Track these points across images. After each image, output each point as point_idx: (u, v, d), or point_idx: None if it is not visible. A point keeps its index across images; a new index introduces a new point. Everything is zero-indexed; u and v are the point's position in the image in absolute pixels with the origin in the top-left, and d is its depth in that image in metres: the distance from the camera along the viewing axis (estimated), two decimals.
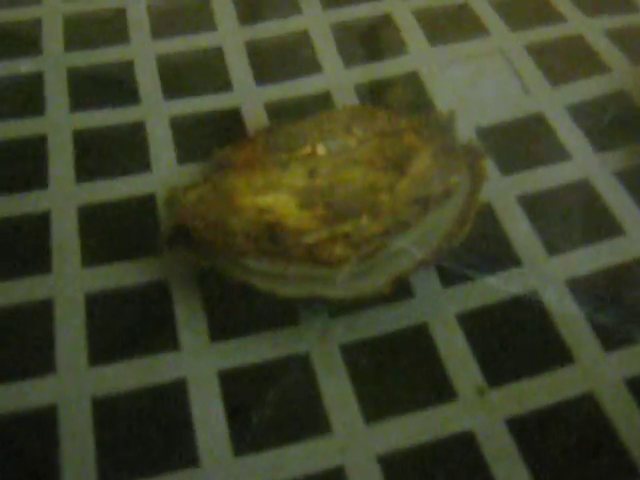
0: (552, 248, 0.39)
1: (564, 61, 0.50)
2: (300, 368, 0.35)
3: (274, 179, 0.39)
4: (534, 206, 0.41)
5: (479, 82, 0.48)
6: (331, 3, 0.52)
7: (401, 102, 0.43)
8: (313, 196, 0.38)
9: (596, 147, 0.44)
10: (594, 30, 0.51)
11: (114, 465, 0.32)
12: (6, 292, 0.37)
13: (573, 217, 0.43)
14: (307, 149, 0.40)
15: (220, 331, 0.36)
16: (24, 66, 0.49)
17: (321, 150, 0.40)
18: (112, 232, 0.41)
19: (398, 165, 0.38)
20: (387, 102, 0.43)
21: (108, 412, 0.34)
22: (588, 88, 0.47)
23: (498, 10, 0.52)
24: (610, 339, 0.36)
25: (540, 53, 0.49)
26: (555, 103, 0.46)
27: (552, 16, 0.52)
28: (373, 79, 0.48)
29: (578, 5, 0.53)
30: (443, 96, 0.47)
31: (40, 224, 0.40)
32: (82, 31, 0.51)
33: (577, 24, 0.51)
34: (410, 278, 0.37)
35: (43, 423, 0.33)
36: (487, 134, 0.45)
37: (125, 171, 0.43)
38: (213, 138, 0.45)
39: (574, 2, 0.53)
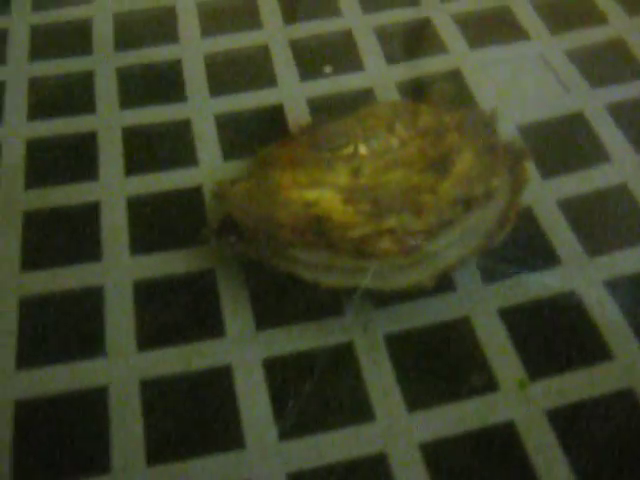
0: (592, 249, 0.40)
1: (604, 65, 0.50)
2: (344, 357, 0.36)
3: (318, 177, 0.39)
4: (574, 208, 0.42)
5: (520, 81, 0.49)
6: (371, 8, 0.53)
7: (443, 99, 0.43)
8: (357, 193, 0.38)
9: (635, 148, 0.44)
10: (635, 33, 0.51)
11: (161, 445, 0.33)
12: (59, 279, 0.39)
13: (612, 219, 0.43)
14: (350, 149, 0.41)
15: (265, 320, 0.37)
16: (76, 65, 0.50)
17: (363, 150, 0.41)
18: (160, 223, 0.42)
19: (440, 166, 0.39)
20: (429, 99, 0.43)
21: (156, 394, 0.35)
22: (628, 90, 0.48)
23: (539, 13, 0.53)
24: None
25: (580, 56, 0.50)
26: (595, 103, 0.47)
27: (593, 19, 0.52)
28: (415, 77, 0.49)
29: (619, 8, 0.53)
30: (485, 94, 0.47)
31: (91, 214, 0.42)
32: (132, 29, 0.53)
33: (618, 28, 0.52)
34: (452, 274, 0.38)
35: (94, 403, 0.35)
36: (528, 133, 0.45)
37: (172, 165, 0.44)
38: (257, 133, 0.46)
39: (616, 4, 0.53)
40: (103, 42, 0.51)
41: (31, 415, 0.34)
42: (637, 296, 0.39)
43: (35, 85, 0.49)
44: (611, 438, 0.34)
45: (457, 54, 0.50)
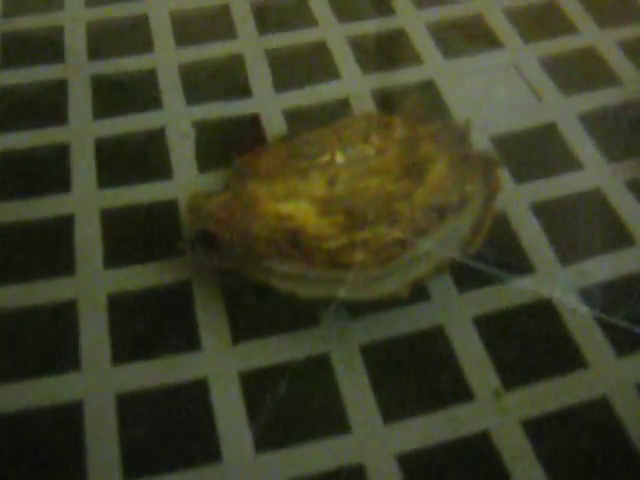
0: (565, 256, 0.40)
1: (576, 73, 0.50)
2: (320, 368, 0.36)
3: (294, 187, 0.40)
4: (547, 215, 0.42)
5: (493, 92, 0.49)
6: (345, 18, 0.53)
7: (417, 110, 0.44)
8: (332, 204, 0.39)
9: (608, 156, 0.45)
10: (606, 42, 0.52)
11: (137, 459, 0.33)
12: (32, 293, 0.38)
13: (586, 226, 0.44)
14: (326, 157, 0.41)
15: (241, 332, 0.37)
16: (48, 74, 0.49)
17: (340, 159, 0.41)
18: (135, 236, 0.42)
19: (415, 174, 0.39)
20: (404, 110, 0.44)
21: (132, 408, 0.35)
22: (600, 98, 0.48)
23: (511, 22, 0.53)
24: (622, 345, 0.37)
25: (553, 65, 0.50)
26: (567, 112, 0.47)
27: (565, 28, 0.53)
28: (390, 87, 0.49)
29: (591, 17, 0.54)
30: (458, 104, 0.48)
31: (64, 227, 0.41)
32: (105, 38, 0.52)
33: (590, 36, 0.52)
34: (427, 283, 0.38)
35: (69, 418, 0.34)
36: (501, 142, 0.45)
37: (147, 177, 0.44)
38: (233, 144, 0.46)
39: (588, 13, 0.54)
40: (75, 51, 0.51)
41: (2, 431, 0.34)
42: (610, 302, 0.39)
43: (6, 94, 0.48)
44: (586, 446, 0.34)
45: (431, 64, 0.51)
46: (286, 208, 0.38)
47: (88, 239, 0.41)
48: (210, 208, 0.39)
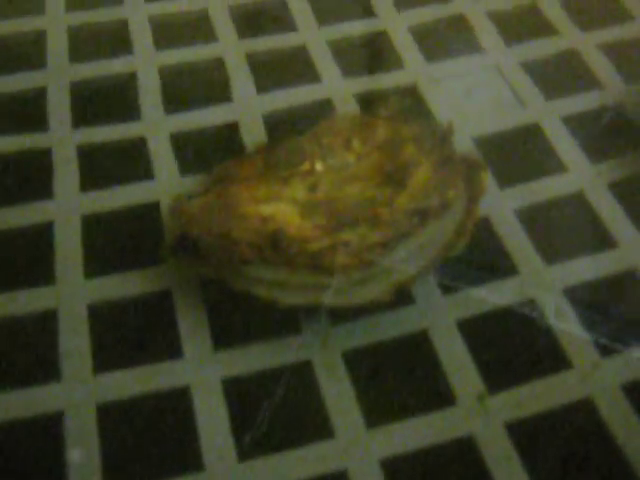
0: (548, 258, 0.40)
1: (558, 76, 0.51)
2: (303, 375, 0.35)
3: (275, 191, 0.39)
4: (531, 218, 0.42)
5: (475, 95, 0.49)
6: (326, 21, 0.53)
7: (400, 112, 0.43)
8: (314, 207, 0.38)
9: (591, 158, 0.45)
10: (588, 45, 0.52)
11: (119, 470, 0.33)
12: (10, 303, 0.38)
13: (569, 228, 0.44)
14: (306, 166, 0.41)
15: (223, 339, 0.37)
16: (29, 79, 0.49)
17: (320, 167, 0.41)
18: (116, 242, 0.41)
19: (397, 180, 0.39)
20: (386, 112, 0.44)
21: (113, 418, 0.34)
22: (582, 101, 0.48)
23: (493, 25, 0.53)
24: (606, 346, 0.37)
25: (535, 68, 0.50)
26: (550, 115, 0.47)
27: (547, 31, 0.53)
28: (372, 89, 0.49)
29: (573, 19, 0.54)
30: (441, 107, 0.48)
31: (44, 235, 0.41)
32: (86, 42, 0.52)
33: (571, 39, 0.52)
34: (410, 286, 0.38)
35: (49, 429, 0.34)
36: (484, 145, 0.45)
37: (128, 181, 0.43)
38: (214, 149, 0.46)
39: (569, 16, 0.54)
40: (56, 55, 0.50)
41: None
42: (594, 304, 0.39)
43: None
44: (571, 449, 0.34)
45: (413, 67, 0.50)
46: (267, 209, 0.38)
47: (69, 246, 0.40)
48: (191, 210, 0.38)
